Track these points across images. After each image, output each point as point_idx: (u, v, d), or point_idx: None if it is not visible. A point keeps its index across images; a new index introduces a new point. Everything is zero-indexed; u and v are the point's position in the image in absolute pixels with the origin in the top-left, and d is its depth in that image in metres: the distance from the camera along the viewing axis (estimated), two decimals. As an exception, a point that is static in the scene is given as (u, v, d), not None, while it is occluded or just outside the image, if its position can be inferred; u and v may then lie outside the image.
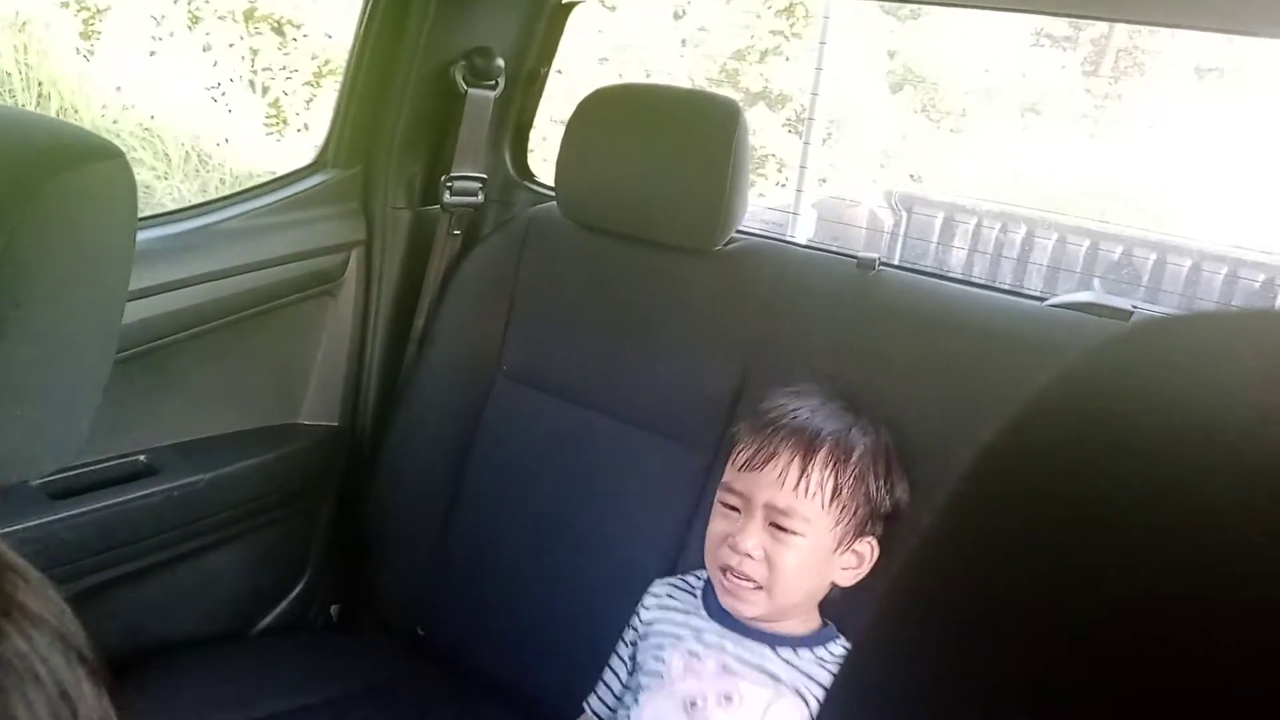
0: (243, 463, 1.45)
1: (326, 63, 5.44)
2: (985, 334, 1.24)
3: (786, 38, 8.32)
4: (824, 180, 6.52)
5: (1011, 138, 8.96)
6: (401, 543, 1.57)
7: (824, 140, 7.50)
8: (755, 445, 1.09)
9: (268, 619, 1.58)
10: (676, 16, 8.01)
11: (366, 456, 1.62)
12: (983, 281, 1.53)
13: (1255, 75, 8.84)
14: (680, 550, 1.32)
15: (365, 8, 1.49)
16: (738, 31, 8.30)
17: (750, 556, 1.06)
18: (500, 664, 1.45)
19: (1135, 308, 1.23)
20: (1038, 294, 1.35)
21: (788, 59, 8.15)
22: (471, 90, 1.55)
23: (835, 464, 1.08)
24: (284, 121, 5.48)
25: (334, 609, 1.67)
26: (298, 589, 1.61)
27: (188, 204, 1.67)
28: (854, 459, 1.09)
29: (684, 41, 8.10)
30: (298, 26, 5.67)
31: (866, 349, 1.28)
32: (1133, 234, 4.15)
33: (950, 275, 1.55)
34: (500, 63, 1.57)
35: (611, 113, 1.44)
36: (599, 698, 1.23)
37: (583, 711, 1.24)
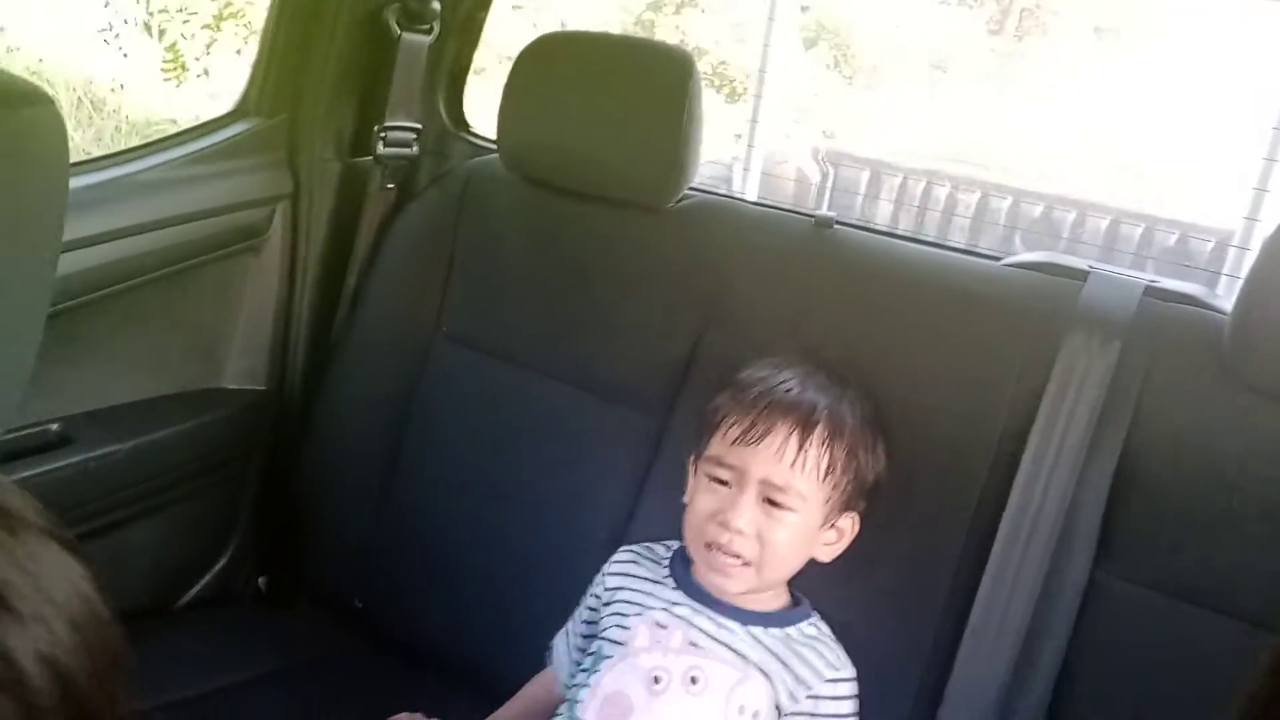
0: (164, 431, 1.36)
1: (228, 4, 5.18)
2: (943, 292, 1.23)
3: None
4: (739, 136, 6.51)
5: (921, 94, 9.07)
6: (334, 512, 1.50)
7: (738, 96, 7.48)
8: (750, 419, 1.05)
9: (191, 593, 1.50)
10: (591, -35, 7.84)
11: (296, 422, 1.54)
12: (939, 240, 1.52)
13: (1151, 34, 9.10)
14: (630, 518, 1.29)
15: (292, -57, 1.39)
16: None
17: (742, 533, 1.03)
18: (442, 636, 1.40)
19: (1091, 268, 1.23)
20: (993, 253, 1.34)
21: (703, 11, 8.08)
22: (405, 35, 1.47)
23: (831, 439, 1.05)
24: (182, 67, 5.20)
25: (261, 581, 1.59)
26: (223, 561, 1.53)
27: (88, 155, 1.55)
28: (848, 433, 1.06)
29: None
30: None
31: (824, 309, 1.25)
32: (1053, 191, 4.28)
33: (906, 234, 1.53)
34: (436, 6, 1.48)
35: (557, 61, 1.38)
36: (566, 643, 1.19)
37: (535, 674, 1.21)
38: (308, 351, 1.56)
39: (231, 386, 1.50)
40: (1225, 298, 1.21)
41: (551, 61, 1.38)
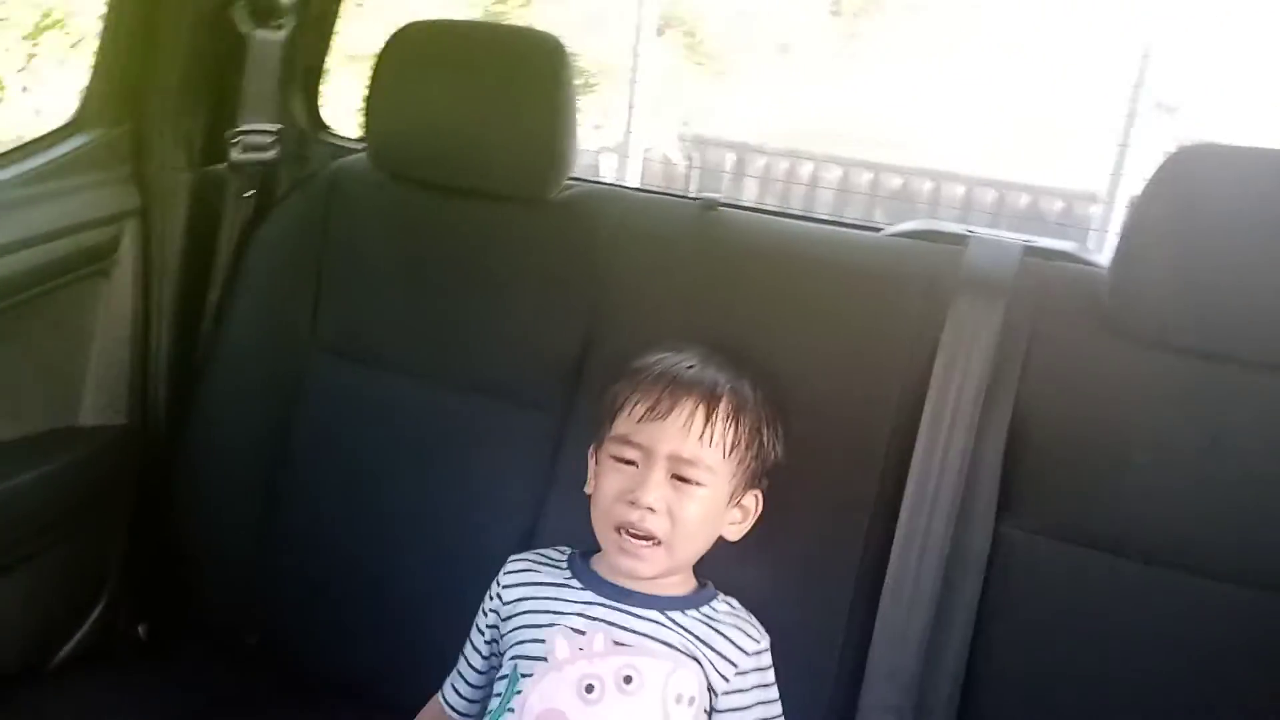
0: (16, 479, 1.25)
1: (46, 14, 4.83)
2: (830, 267, 1.24)
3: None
4: (598, 126, 6.49)
5: (770, 77, 9.22)
6: (216, 546, 1.41)
7: (591, 87, 7.45)
8: (655, 395, 1.04)
9: (64, 651, 1.38)
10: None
11: (164, 454, 1.44)
12: (823, 216, 1.53)
13: (980, 9, 9.48)
14: (536, 522, 1.25)
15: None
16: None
17: (652, 510, 1.02)
18: (345, 665, 1.33)
19: (970, 232, 1.26)
20: (875, 225, 1.35)
21: (552, 2, 8.00)
22: (255, 32, 1.38)
23: (735, 413, 1.05)
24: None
25: (142, 629, 1.48)
26: (97, 612, 1.42)
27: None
28: (750, 409, 1.07)
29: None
30: (2, -27, 5.00)
31: (715, 292, 1.24)
32: (909, 164, 4.44)
33: (791, 212, 1.53)
34: (286, 1, 1.40)
35: (424, 52, 1.32)
36: (454, 689, 1.15)
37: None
38: (170, 378, 1.45)
39: (89, 423, 1.38)
40: (1098, 253, 1.26)
41: (418, 52, 1.32)
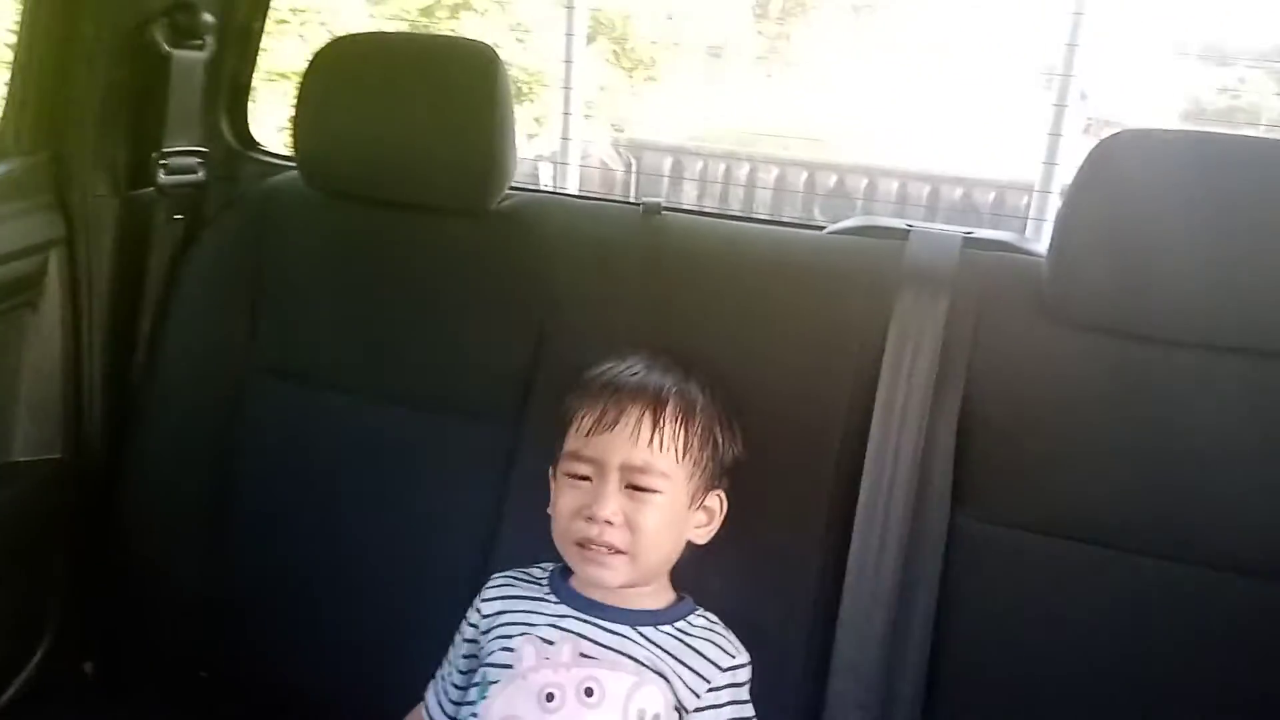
0: (-53, 520, 1.20)
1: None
2: (774, 267, 1.24)
3: (473, -9, 8.12)
4: (532, 135, 6.46)
5: (699, 83, 9.27)
6: (161, 579, 1.37)
7: (524, 96, 7.42)
8: (600, 407, 1.03)
9: (7, 694, 1.33)
10: (355, -27, 7.59)
11: (101, 488, 1.39)
12: (765, 216, 1.54)
13: (901, 8, 9.63)
14: (494, 537, 1.23)
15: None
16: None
17: (610, 523, 1.01)
18: (306, 690, 1.30)
19: (910, 226, 1.27)
20: (817, 223, 1.36)
21: (482, 13, 7.96)
22: (176, 52, 1.35)
23: (683, 416, 1.05)
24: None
25: (89, 666, 1.43)
26: (39, 653, 1.37)
27: None
28: (699, 409, 1.06)
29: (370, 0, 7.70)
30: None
31: (661, 296, 1.24)
32: (844, 162, 4.51)
33: (732, 213, 1.54)
34: (208, 18, 1.37)
35: (353, 65, 1.30)
36: (436, 702, 1.13)
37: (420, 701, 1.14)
38: (105, 408, 1.41)
39: (22, 459, 1.34)
40: (1036, 241, 1.27)
41: (348, 66, 1.29)
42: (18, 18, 1.28)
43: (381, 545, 1.28)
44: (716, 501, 1.09)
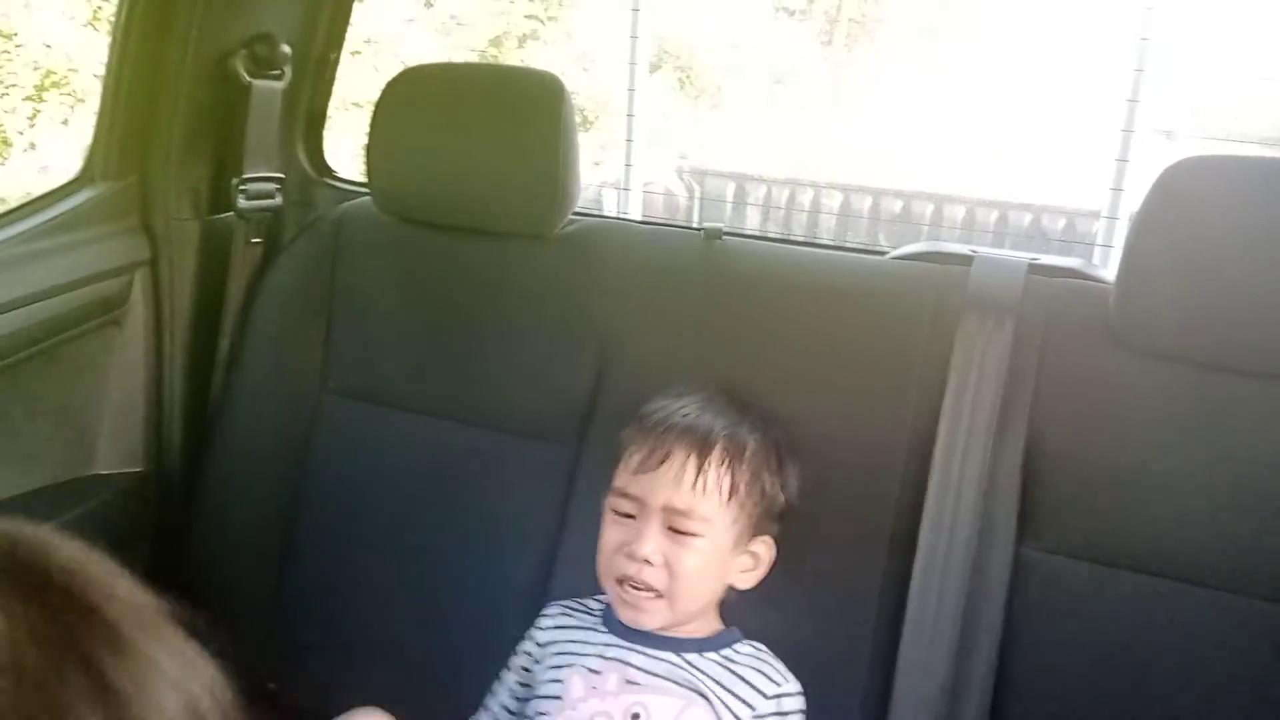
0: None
1: (49, 73, 4.90)
2: (836, 292, 1.24)
3: (542, 22, 8.26)
4: (597, 163, 6.53)
5: (763, 109, 9.29)
6: (234, 592, 1.40)
7: (589, 124, 7.51)
8: (648, 447, 1.04)
9: (85, 700, 1.37)
10: (428, 5, 7.78)
11: (180, 501, 1.44)
12: (827, 242, 1.54)
13: (967, 33, 9.56)
14: (553, 560, 1.24)
15: (124, -4, 1.30)
16: (493, 18, 8.17)
17: (649, 563, 1.01)
18: (367, 705, 1.32)
19: (974, 252, 1.26)
20: (880, 249, 1.36)
21: (545, 44, 8.10)
22: (256, 82, 1.40)
23: (730, 461, 1.04)
24: (4, 142, 4.89)
25: (161, 675, 1.48)
26: (116, 661, 1.41)
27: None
28: (748, 455, 1.05)
29: (441, 30, 7.89)
30: (9, 37, 5.07)
31: (722, 320, 1.25)
32: (910, 188, 4.47)
33: (794, 239, 1.54)
34: (286, 50, 1.42)
35: (424, 95, 1.33)
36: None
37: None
38: (185, 424, 1.46)
39: (106, 472, 1.39)
40: (1103, 268, 1.26)
41: (418, 95, 1.33)
42: (108, 54, 1.34)
43: (444, 564, 1.30)
44: (763, 548, 1.08)
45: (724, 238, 1.30)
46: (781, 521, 1.09)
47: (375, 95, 1.33)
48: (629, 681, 1.02)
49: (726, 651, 1.05)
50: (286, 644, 1.37)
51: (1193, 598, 1.06)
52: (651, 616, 1.03)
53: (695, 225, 1.37)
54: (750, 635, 1.09)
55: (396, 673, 1.30)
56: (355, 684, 1.32)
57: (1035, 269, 1.21)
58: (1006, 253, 1.26)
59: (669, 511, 1.01)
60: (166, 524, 1.44)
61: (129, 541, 1.40)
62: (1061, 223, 4.15)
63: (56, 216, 1.31)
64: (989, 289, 1.18)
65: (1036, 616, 1.10)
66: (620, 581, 1.03)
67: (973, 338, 1.14)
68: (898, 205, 4.19)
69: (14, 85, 4.88)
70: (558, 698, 1.04)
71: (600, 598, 1.12)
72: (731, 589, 1.08)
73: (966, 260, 1.24)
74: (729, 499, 1.03)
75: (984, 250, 1.27)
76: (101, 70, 1.36)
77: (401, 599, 1.32)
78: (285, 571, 1.37)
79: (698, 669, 1.03)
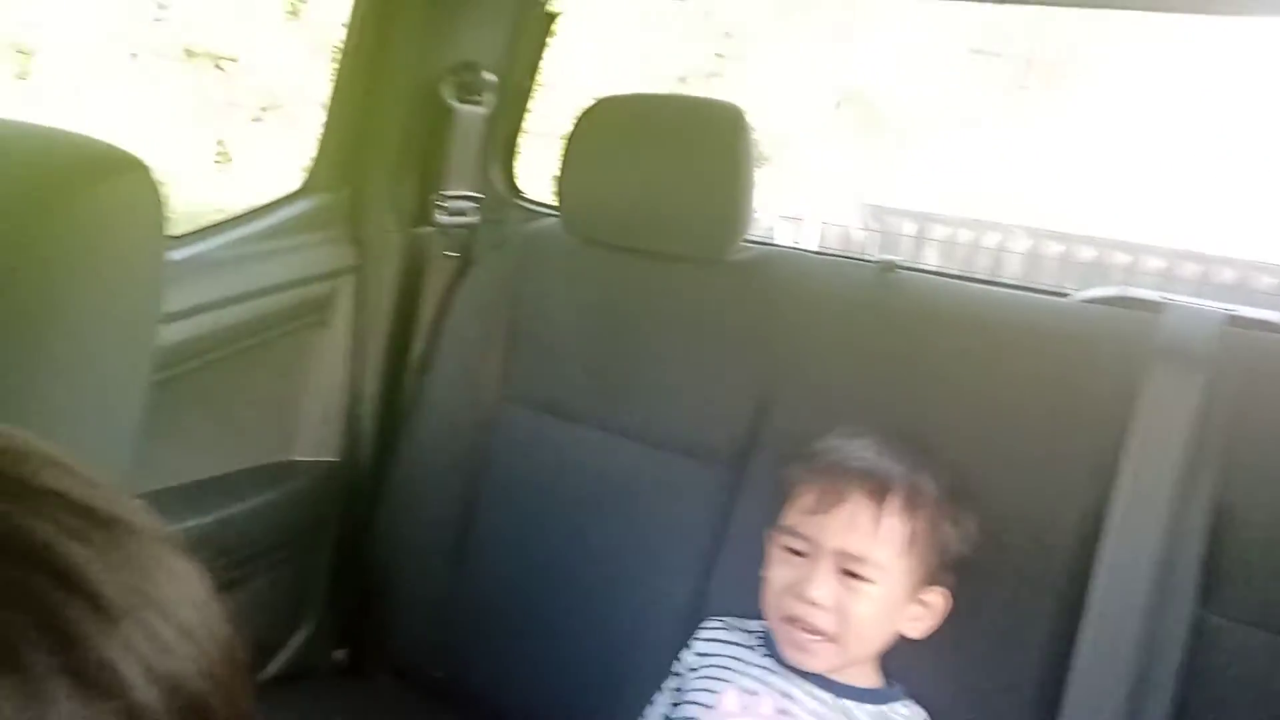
0: (241, 505, 1.37)
1: (270, 98, 5.34)
2: (1014, 331, 1.21)
3: (726, 59, 8.38)
4: (777, 196, 6.54)
5: (950, 149, 9.09)
6: (411, 581, 1.49)
7: (766, 160, 7.54)
8: (822, 487, 1.03)
9: (270, 669, 1.49)
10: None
11: (368, 491, 1.54)
12: (1006, 280, 1.51)
13: (1171, 77, 9.08)
14: (708, 575, 1.25)
15: (352, 24, 1.43)
16: (679, 54, 8.34)
17: (819, 605, 0.99)
18: (525, 704, 1.37)
19: (1166, 299, 1.21)
20: (1062, 290, 1.32)
21: (725, 79, 8.20)
22: (460, 106, 1.50)
23: (909, 509, 1.02)
24: (229, 159, 5.35)
25: (340, 654, 1.58)
26: (301, 634, 1.52)
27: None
28: (928, 504, 1.03)
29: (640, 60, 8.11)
30: (236, 61, 5.56)
31: (894, 353, 1.23)
32: (1104, 235, 4.23)
33: (970, 275, 1.52)
34: (489, 77, 1.52)
35: (613, 123, 1.40)
36: None
37: None
38: (377, 421, 1.56)
39: (304, 458, 1.50)
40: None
41: (608, 124, 1.40)
42: (333, 77, 1.47)
43: (603, 571, 1.34)
44: (938, 598, 1.05)
45: (899, 270, 1.30)
46: (955, 571, 1.06)
47: (561, 125, 1.39)
48: (782, 712, 1.01)
49: (884, 708, 1.03)
50: (455, 634, 1.44)
51: None
52: (817, 659, 1.01)
53: (868, 257, 1.38)
54: (900, 677, 1.07)
55: (554, 675, 1.35)
56: (515, 680, 1.39)
57: (1232, 320, 1.15)
58: (1202, 302, 1.20)
59: (842, 555, 1.00)
60: (354, 510, 1.54)
61: (321, 524, 1.51)
62: (1268, 281, 3.84)
63: (280, 222, 1.44)
64: (1181, 338, 1.12)
65: (1215, 687, 1.03)
66: (788, 620, 1.01)
67: (1160, 389, 1.09)
68: (1090, 253, 3.97)
69: (240, 106, 5.35)
70: (709, 706, 1.04)
71: (759, 624, 1.11)
72: (900, 637, 1.05)
73: (1156, 307, 1.18)
74: (906, 548, 1.00)
75: (1175, 298, 1.21)
76: (327, 94, 1.49)
77: (563, 601, 1.36)
78: (458, 566, 1.44)
79: (854, 718, 1.02)
